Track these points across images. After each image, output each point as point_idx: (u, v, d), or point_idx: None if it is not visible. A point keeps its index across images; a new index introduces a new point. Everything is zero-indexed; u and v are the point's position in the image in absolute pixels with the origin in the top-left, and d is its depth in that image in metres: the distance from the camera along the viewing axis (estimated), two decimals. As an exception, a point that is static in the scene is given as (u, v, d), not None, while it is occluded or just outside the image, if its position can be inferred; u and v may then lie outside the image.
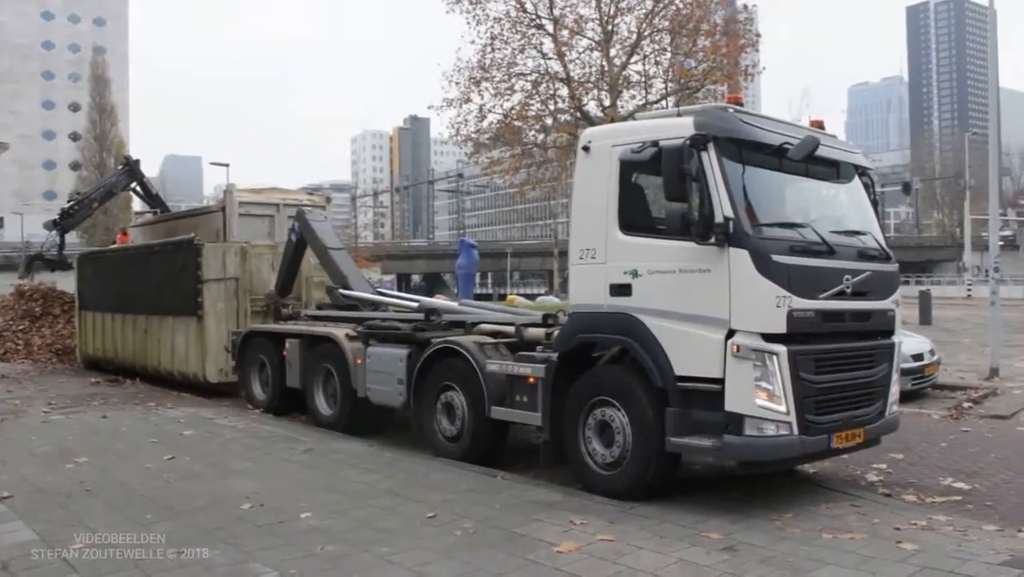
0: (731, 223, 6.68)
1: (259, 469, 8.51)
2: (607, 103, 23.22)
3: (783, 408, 6.64)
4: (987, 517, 6.95)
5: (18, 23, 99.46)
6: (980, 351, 18.74)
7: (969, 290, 56.37)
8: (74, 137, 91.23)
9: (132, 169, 23.94)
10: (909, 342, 14.62)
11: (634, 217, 7.50)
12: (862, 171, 8.24)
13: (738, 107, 7.53)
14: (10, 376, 16.80)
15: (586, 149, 7.92)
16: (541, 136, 25.00)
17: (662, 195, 7.08)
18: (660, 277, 7.13)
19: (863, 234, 7.89)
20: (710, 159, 6.85)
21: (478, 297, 42.33)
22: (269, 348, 12.55)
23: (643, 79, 24.08)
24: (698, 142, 6.85)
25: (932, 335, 18.39)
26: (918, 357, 13.97)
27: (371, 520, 6.62)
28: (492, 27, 23.56)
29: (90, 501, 7.30)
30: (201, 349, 14.39)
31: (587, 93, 23.91)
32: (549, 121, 24.33)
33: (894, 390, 7.86)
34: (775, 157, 7.15)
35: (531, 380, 8.13)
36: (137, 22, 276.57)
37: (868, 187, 8.26)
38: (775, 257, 6.72)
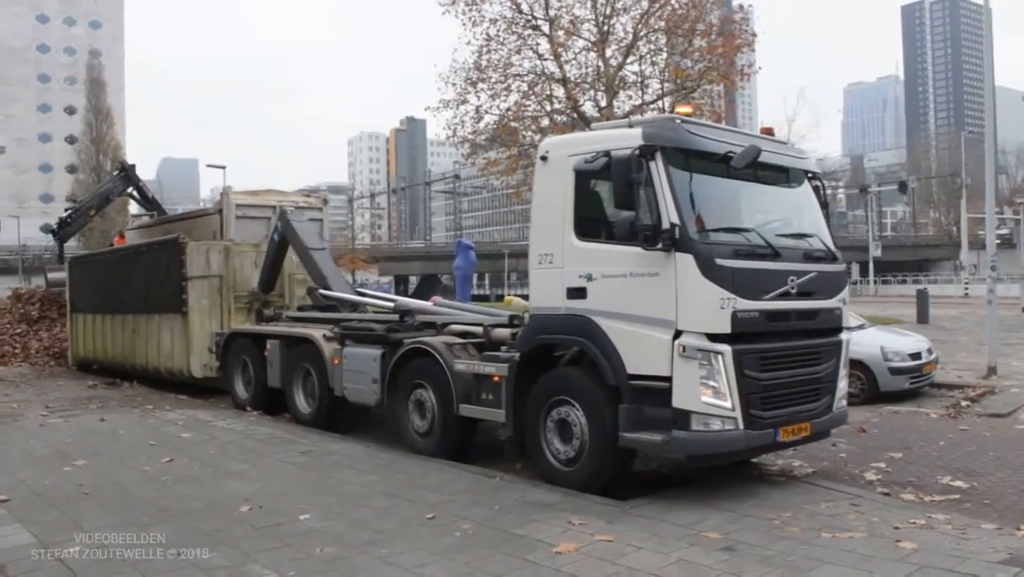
0: (677, 229, 6.96)
1: (257, 471, 8.50)
2: (603, 104, 23.20)
3: (728, 404, 6.93)
4: (986, 515, 6.95)
5: (12, 26, 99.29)
6: (977, 350, 18.77)
7: (966, 289, 56.41)
8: (70, 140, 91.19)
9: (127, 174, 23.96)
10: (907, 341, 14.72)
11: (588, 223, 7.78)
12: (812, 176, 8.57)
13: (686, 118, 7.79)
14: (7, 379, 16.82)
15: (544, 159, 8.23)
16: (538, 137, 24.94)
17: (614, 202, 7.33)
18: (612, 281, 7.43)
19: (810, 236, 8.18)
20: (657, 168, 7.14)
21: (476, 298, 42.27)
22: (251, 348, 12.82)
23: (639, 79, 24.04)
24: (646, 152, 7.15)
25: (929, 334, 18.43)
26: (916, 356, 14.02)
27: (369, 521, 6.61)
28: (488, 28, 23.50)
29: (88, 504, 7.28)
30: (186, 345, 14.64)
31: (583, 94, 23.88)
32: (546, 122, 24.26)
33: (842, 385, 8.15)
34: (721, 165, 7.40)
35: (496, 379, 8.44)
36: (132, 25, 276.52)
37: (818, 191, 8.56)
38: (719, 261, 6.98)
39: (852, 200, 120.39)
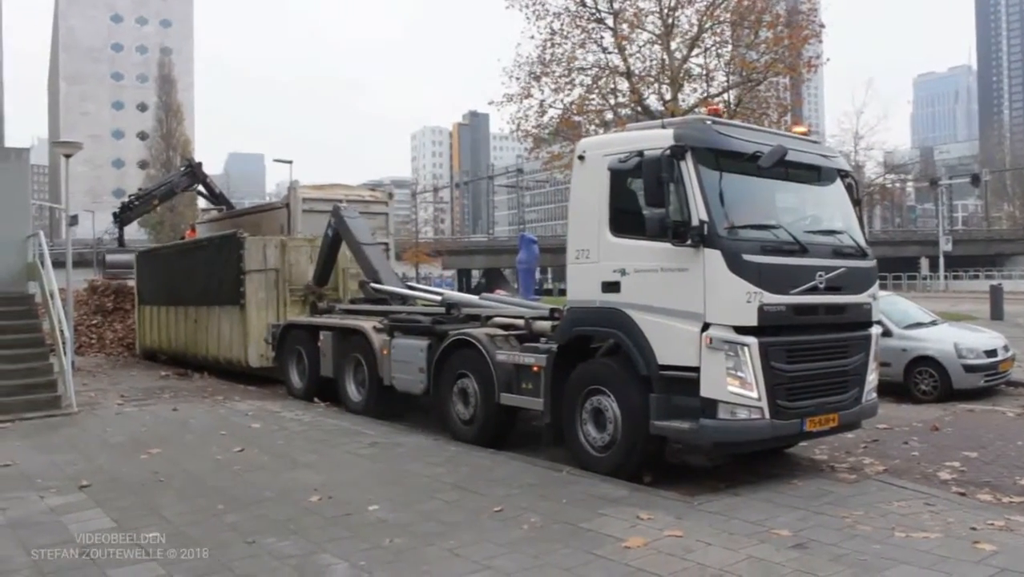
0: (705, 226, 7.24)
1: (326, 462, 8.64)
2: (668, 97, 22.98)
3: (754, 394, 7.17)
4: (1067, 518, 6.73)
5: (89, 27, 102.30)
6: (1056, 347, 18.17)
7: (1043, 284, 54.67)
8: (142, 136, 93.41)
9: (194, 171, 24.44)
10: (981, 337, 14.35)
11: (622, 220, 8.03)
12: (844, 174, 8.75)
13: (716, 119, 8.14)
14: (84, 369, 17.29)
15: (581, 158, 8.57)
16: (601, 131, 24.84)
17: (646, 200, 7.57)
18: (645, 275, 7.72)
19: (840, 233, 8.38)
20: (688, 167, 7.42)
21: (538, 292, 42.25)
22: (305, 339, 13.26)
23: (704, 72, 23.76)
24: (677, 152, 7.43)
25: (1005, 330, 17.89)
26: (991, 353, 13.66)
27: (437, 513, 6.67)
28: (552, 22, 23.43)
29: (163, 491, 7.49)
30: (243, 336, 15.18)
31: (648, 87, 23.65)
32: (609, 116, 24.11)
33: (871, 378, 8.28)
34: (750, 164, 7.61)
35: (535, 369, 8.81)
36: (201, 23, 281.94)
37: (851, 189, 8.75)
38: (746, 257, 7.24)
39: (922, 193, 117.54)
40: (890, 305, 14.71)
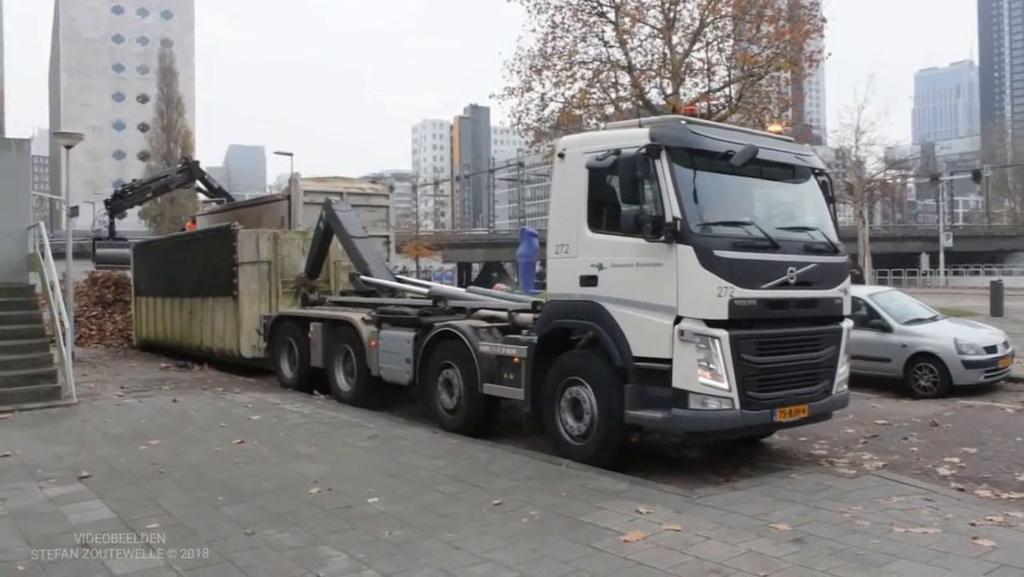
0: (678, 223, 7.44)
1: (325, 454, 8.65)
2: (669, 91, 22.96)
3: (725, 385, 7.38)
4: (1066, 513, 6.74)
5: (89, 18, 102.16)
6: (1056, 344, 18.14)
7: (1043, 281, 54.62)
8: (143, 128, 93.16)
9: (190, 169, 24.33)
10: (981, 333, 14.35)
11: (600, 217, 8.27)
12: (819, 172, 8.93)
13: (691, 119, 8.35)
14: (84, 360, 17.31)
15: (561, 156, 8.78)
16: (602, 125, 24.79)
17: (622, 197, 7.81)
18: (621, 270, 7.94)
19: (812, 230, 8.58)
20: (662, 165, 7.62)
21: (541, 286, 42.16)
22: (296, 331, 13.53)
23: (706, 66, 23.73)
24: (652, 151, 7.63)
25: (1004, 327, 17.94)
26: (991, 349, 13.66)
27: (436, 506, 6.68)
28: (553, 15, 23.45)
29: (163, 482, 7.49)
30: (236, 327, 15.35)
31: (649, 81, 23.65)
32: (610, 109, 24.08)
33: (842, 370, 8.48)
34: (723, 163, 7.78)
35: (516, 360, 9.08)
36: (202, 14, 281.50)
37: (825, 187, 8.93)
38: (717, 252, 7.44)
39: (923, 189, 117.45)
40: (890, 301, 14.73)
